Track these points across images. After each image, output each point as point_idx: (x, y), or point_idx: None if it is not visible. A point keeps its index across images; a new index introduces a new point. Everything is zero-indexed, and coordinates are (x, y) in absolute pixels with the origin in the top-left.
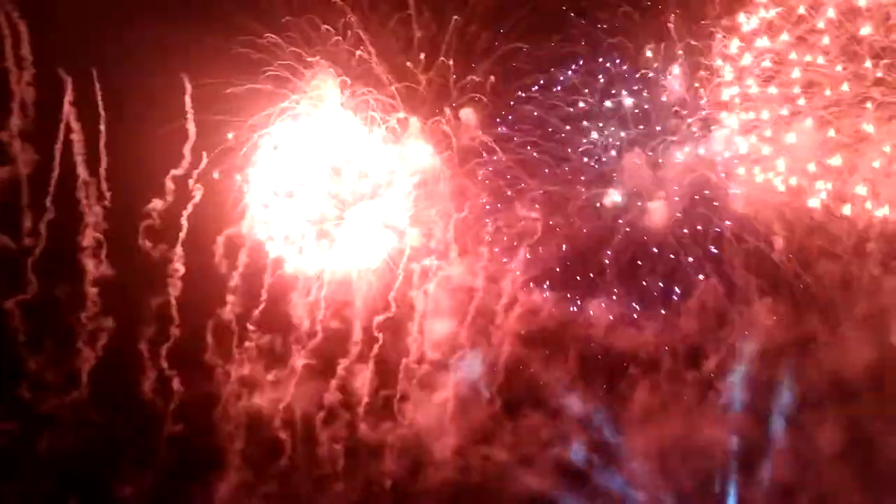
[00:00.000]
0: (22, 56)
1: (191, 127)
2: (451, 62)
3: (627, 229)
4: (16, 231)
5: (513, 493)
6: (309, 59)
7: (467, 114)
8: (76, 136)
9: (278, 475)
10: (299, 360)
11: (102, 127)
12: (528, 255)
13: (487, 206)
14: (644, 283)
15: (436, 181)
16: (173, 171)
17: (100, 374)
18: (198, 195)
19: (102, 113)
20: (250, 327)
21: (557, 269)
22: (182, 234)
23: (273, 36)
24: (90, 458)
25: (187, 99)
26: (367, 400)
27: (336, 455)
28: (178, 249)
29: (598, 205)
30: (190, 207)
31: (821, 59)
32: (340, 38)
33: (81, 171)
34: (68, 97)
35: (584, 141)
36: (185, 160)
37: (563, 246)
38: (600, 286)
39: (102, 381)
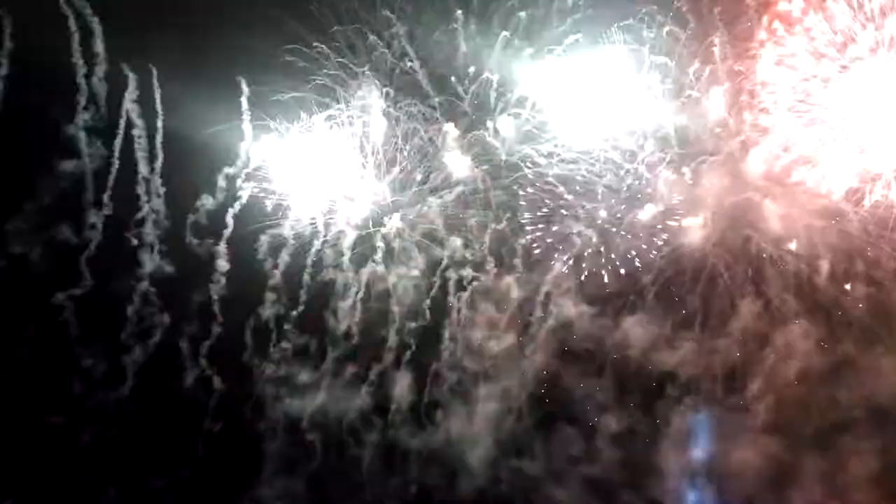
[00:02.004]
0: (95, 52)
1: (247, 128)
2: (495, 76)
3: (664, 246)
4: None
5: None
6: (355, 69)
7: (508, 128)
8: (137, 133)
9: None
10: (334, 363)
11: (160, 124)
12: (564, 270)
13: (525, 219)
14: (682, 302)
15: (475, 193)
16: (226, 170)
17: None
18: (245, 195)
19: (160, 110)
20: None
21: (595, 285)
22: (227, 232)
23: (321, 46)
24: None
25: (244, 101)
26: (399, 406)
27: (367, 459)
28: (223, 247)
29: (635, 221)
30: (237, 206)
31: None
32: (386, 49)
33: (142, 168)
34: (131, 94)
35: (623, 159)
36: (239, 159)
37: (602, 262)
38: (638, 303)
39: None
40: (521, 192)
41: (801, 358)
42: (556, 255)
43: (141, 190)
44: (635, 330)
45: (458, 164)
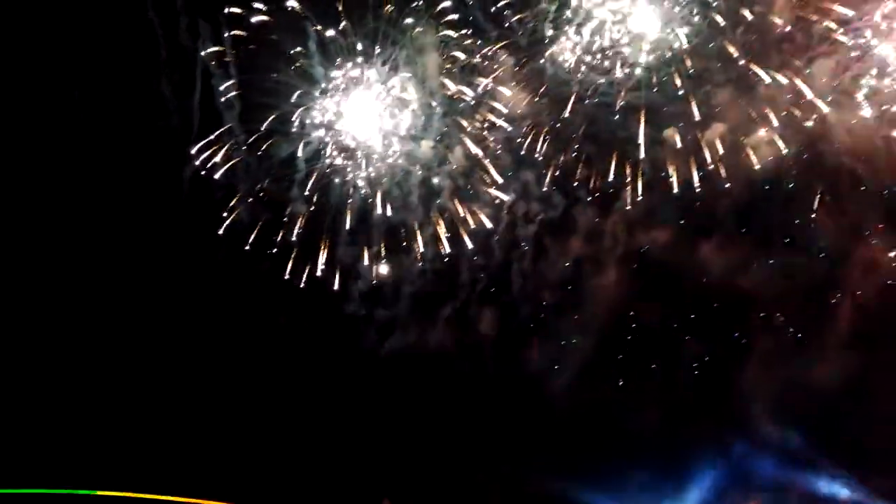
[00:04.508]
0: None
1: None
2: (551, 7)
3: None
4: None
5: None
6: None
7: (562, 58)
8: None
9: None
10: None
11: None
12: (635, 198)
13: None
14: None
15: (538, 128)
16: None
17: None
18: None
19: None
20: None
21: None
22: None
23: None
24: None
25: (311, 45)
26: (475, 340)
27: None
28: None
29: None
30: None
31: None
32: None
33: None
34: (204, 46)
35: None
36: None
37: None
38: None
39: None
40: (578, 125)
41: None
42: (625, 184)
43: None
44: (711, 253)
45: (518, 97)
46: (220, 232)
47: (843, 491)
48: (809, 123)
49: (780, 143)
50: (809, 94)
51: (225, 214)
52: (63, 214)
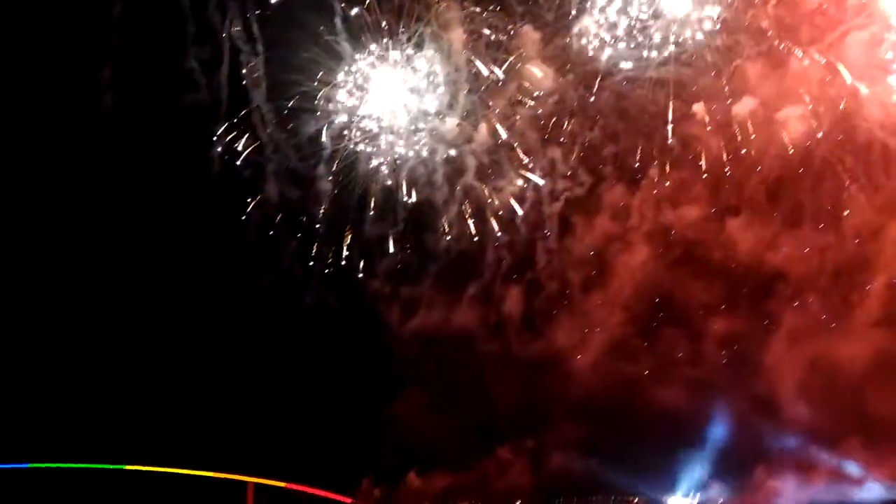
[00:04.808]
0: None
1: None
2: None
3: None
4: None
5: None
6: None
7: (587, 34)
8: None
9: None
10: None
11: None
12: (662, 175)
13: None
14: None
15: (564, 105)
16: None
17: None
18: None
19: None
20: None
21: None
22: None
23: None
24: None
25: (337, 21)
26: (499, 318)
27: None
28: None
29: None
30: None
31: None
32: None
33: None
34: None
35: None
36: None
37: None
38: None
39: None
40: (606, 100)
41: None
42: (653, 161)
43: (256, 119)
44: (739, 231)
45: (544, 73)
46: (248, 210)
47: (867, 471)
48: (842, 105)
49: (812, 120)
50: (843, 70)
51: (250, 200)
52: (93, 192)
